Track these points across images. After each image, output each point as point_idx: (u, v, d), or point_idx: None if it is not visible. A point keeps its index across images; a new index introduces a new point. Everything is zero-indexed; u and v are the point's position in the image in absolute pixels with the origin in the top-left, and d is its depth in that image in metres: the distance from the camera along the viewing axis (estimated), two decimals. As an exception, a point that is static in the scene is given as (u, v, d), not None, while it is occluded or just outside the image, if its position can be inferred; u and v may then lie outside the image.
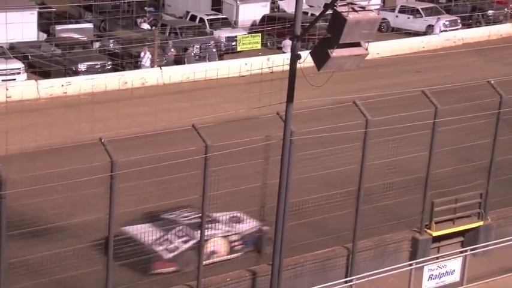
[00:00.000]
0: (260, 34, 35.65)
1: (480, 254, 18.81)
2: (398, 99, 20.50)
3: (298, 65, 15.52)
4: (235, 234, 17.11)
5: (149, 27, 36.08)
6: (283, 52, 33.02)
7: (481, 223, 19.21)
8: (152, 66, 31.36)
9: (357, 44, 14.58)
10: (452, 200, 18.91)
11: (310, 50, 14.91)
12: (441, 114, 18.38)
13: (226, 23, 37.09)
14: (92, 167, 15.03)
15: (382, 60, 31.64)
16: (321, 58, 14.56)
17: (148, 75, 30.20)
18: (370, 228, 18.16)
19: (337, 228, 18.04)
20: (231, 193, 17.84)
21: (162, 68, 30.96)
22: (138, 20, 37.02)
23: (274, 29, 35.51)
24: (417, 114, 18.33)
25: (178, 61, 32.69)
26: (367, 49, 14.72)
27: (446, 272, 17.63)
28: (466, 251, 18.16)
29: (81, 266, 15.71)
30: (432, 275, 17.47)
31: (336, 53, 14.34)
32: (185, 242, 16.15)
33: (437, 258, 18.15)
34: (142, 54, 31.52)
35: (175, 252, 16.15)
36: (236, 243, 17.11)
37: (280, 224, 16.16)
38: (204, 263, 15.73)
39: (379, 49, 32.57)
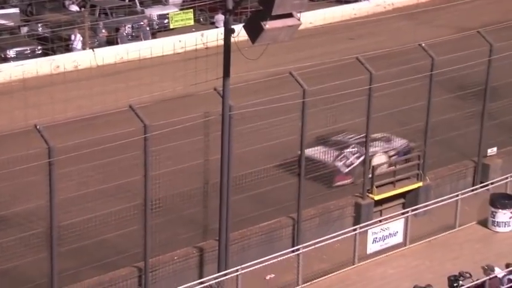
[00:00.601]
0: (192, 10, 35.32)
1: (421, 214, 19.25)
2: (333, 67, 20.66)
3: (232, 39, 15.48)
4: (392, 149, 19.73)
5: (78, 8, 35.33)
6: (217, 27, 32.83)
7: (420, 184, 19.65)
8: (84, 48, 30.77)
9: (290, 15, 14.62)
10: (392, 163, 19.25)
11: (243, 24, 14.88)
12: (376, 80, 18.62)
13: (157, 1, 36.61)
14: (29, 155, 14.76)
15: (315, 30, 31.75)
16: (254, 31, 14.56)
17: (80, 58, 29.64)
18: (314, 197, 18.38)
19: (282, 199, 18.19)
20: (174, 171, 17.78)
21: (94, 49, 30.42)
22: (66, 2, 36.18)
23: (206, 4, 35.23)
24: (353, 81, 18.53)
25: (110, 42, 32.17)
26: (299, 19, 14.77)
27: (389, 234, 18.00)
28: (407, 212, 18.57)
29: (26, 255, 15.46)
30: (376, 238, 17.82)
31: (269, 25, 14.36)
32: (358, 157, 19.06)
33: (380, 221, 18.50)
34: (72, 37, 30.89)
35: (351, 167, 19.12)
36: (393, 158, 19.62)
37: (224, 199, 16.21)
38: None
39: (312, 18, 32.65)
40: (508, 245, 18.39)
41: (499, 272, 16.53)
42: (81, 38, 30.91)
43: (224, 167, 16.11)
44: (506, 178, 19.89)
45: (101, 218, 16.37)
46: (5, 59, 29.44)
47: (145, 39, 32.01)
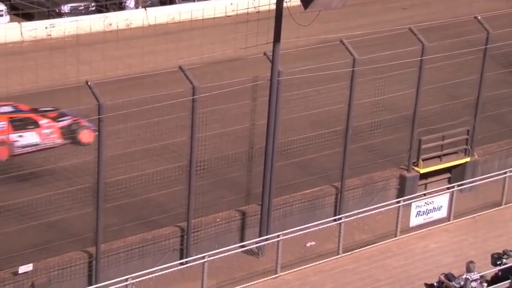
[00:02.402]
0: (245, -27, 35.05)
1: (467, 190, 19.04)
2: (385, 37, 20.39)
3: (284, 4, 15.37)
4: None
5: (132, -33, 35.38)
6: (269, -9, 32.58)
7: (467, 159, 19.39)
8: (137, 7, 30.87)
9: (344, -18, 14.45)
10: (440, 137, 19.03)
11: (296, -11, 14.74)
12: (428, 52, 18.33)
13: (211, -38, 36.40)
14: (79, 110, 14.98)
15: (369, -2, 31.36)
16: (308, -3, 14.42)
17: (133, 16, 29.78)
18: (358, 167, 18.31)
19: (326, 167, 18.19)
20: (220, 134, 17.90)
21: (146, 9, 30.54)
22: (121, -40, 36.26)
23: (259, -33, 34.91)
24: (404, 51, 18.29)
25: (163, 2, 32.20)
26: (354, -13, 14.58)
27: (433, 208, 17.87)
28: (453, 187, 18.38)
29: (72, 208, 15.79)
30: (420, 211, 17.71)
31: (322, -9, 14.21)
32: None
33: (424, 195, 18.36)
34: (126, -5, 31.05)
35: None
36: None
37: (269, 164, 16.26)
38: None
39: (366, -14, 32.18)
40: (554, 225, 18.14)
41: (543, 252, 16.30)
42: (135, -3, 31.01)
43: (270, 132, 16.13)
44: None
45: (146, 176, 16.61)
46: (60, 14, 29.74)
47: (197, 1, 31.96)
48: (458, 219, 18.25)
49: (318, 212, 17.60)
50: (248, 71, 17.84)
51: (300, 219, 17.08)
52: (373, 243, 17.18)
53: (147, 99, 15.89)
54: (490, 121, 20.32)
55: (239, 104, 17.48)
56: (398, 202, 17.54)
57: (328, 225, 16.86)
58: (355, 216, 17.04)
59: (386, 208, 17.45)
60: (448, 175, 19.47)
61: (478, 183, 19.07)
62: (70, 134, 18.18)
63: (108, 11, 30.50)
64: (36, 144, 18.12)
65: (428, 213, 17.79)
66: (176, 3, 31.38)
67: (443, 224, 18.04)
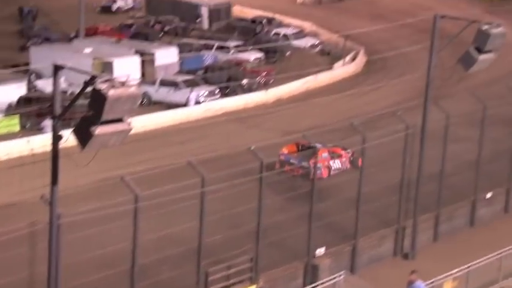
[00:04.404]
0: (18, 116, 34.35)
1: (255, 318, 19.16)
2: (165, 171, 20.64)
3: (61, 145, 15.09)
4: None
5: None
6: (45, 133, 31.99)
7: (254, 287, 19.67)
8: None
9: (120, 120, 14.55)
10: (225, 267, 19.20)
11: (72, 129, 14.60)
12: (208, 183, 18.76)
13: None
14: None
15: (147, 134, 31.82)
16: (84, 136, 14.30)
17: None
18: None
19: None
20: (-3, 286, 16.66)
21: None
22: None
23: (32, 110, 34.35)
24: (185, 184, 18.57)
25: None
26: (130, 124, 14.72)
27: None
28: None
29: None
30: None
31: (99, 130, 14.17)
32: None
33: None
34: None
35: None
36: None
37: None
38: None
39: (143, 123, 32.76)
40: None
41: None
42: None
43: (52, 280, 15.32)
44: (334, 278, 20.32)
45: None
46: None
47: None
48: None
49: None
50: (25, 217, 17.06)
51: None
52: None
53: None
54: (272, 247, 20.93)
55: (16, 253, 16.50)
56: None
57: None
58: None
59: None
60: (238, 304, 19.56)
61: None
62: (352, 161, 26.69)
63: None
64: (340, 168, 27.10)
65: None
66: None
67: None
